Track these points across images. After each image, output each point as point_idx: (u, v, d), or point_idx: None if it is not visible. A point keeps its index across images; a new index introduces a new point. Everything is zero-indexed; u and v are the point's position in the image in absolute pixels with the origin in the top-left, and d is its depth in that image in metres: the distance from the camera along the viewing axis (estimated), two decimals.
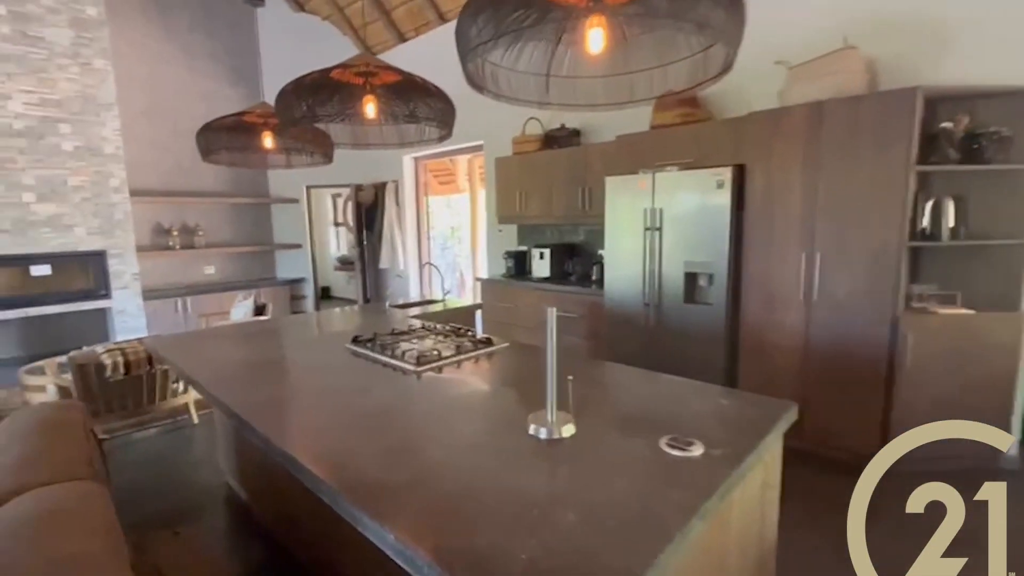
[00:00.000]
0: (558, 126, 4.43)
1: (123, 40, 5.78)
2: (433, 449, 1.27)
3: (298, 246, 7.28)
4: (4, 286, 4.93)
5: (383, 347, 2.11)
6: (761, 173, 2.94)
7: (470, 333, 2.35)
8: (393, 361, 1.98)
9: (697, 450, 1.16)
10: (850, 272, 2.69)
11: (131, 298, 5.61)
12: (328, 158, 2.66)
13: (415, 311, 3.50)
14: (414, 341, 2.21)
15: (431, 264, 4.24)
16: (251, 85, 6.95)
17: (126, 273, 5.56)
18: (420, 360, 1.91)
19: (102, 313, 5.68)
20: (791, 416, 1.40)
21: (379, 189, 6.80)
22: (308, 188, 7.26)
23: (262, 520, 2.39)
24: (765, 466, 1.32)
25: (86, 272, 5.35)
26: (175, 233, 6.26)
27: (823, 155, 2.71)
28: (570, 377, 1.32)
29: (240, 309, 5.00)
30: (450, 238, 8.74)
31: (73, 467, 1.48)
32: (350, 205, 8.62)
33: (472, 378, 1.87)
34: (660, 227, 3.34)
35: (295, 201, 7.22)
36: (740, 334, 3.14)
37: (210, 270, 6.72)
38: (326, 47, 6.77)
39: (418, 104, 1.87)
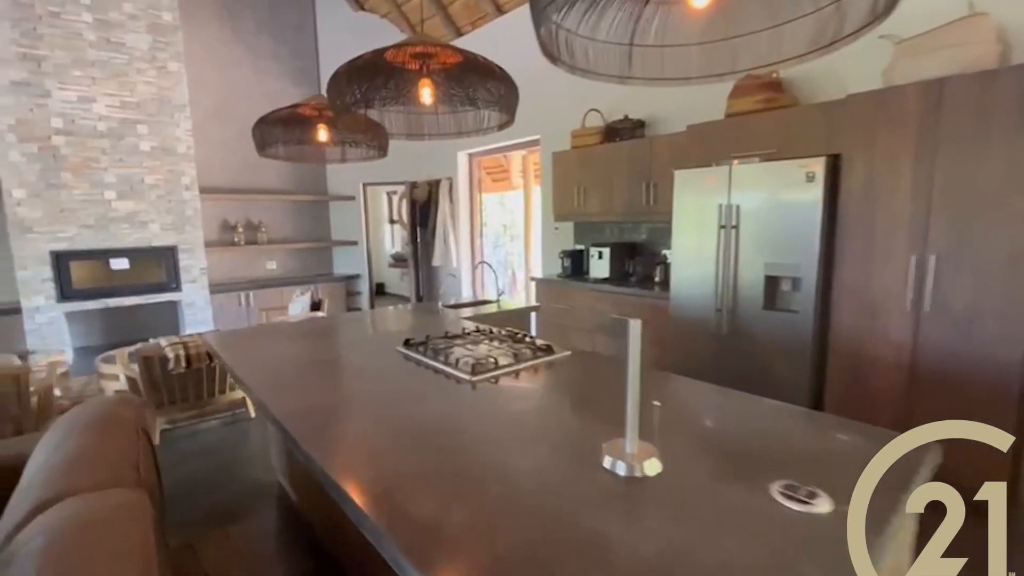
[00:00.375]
0: (620, 117, 4.17)
1: (196, 44, 6.03)
2: (491, 482, 1.09)
3: (354, 243, 7.38)
4: (88, 278, 5.25)
5: (436, 352, 1.96)
6: (862, 164, 2.57)
7: (528, 339, 2.17)
8: (446, 368, 1.83)
9: (823, 505, 0.92)
10: (974, 279, 2.29)
11: (199, 291, 5.85)
12: (383, 151, 2.56)
13: (468, 312, 3.37)
14: (468, 346, 2.05)
15: (485, 263, 4.09)
16: (313, 85, 7.10)
17: (195, 267, 5.80)
18: (475, 368, 1.75)
19: (173, 305, 5.95)
20: (934, 460, 1.12)
21: (433, 186, 6.76)
22: (364, 185, 7.34)
23: (311, 524, 2.32)
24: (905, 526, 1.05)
25: (159, 266, 5.62)
26: (240, 229, 6.49)
27: (941, 142, 2.32)
28: (656, 403, 1.11)
29: (298, 304, 5.08)
30: (502, 236, 8.62)
31: (119, 471, 1.42)
32: (404, 202, 8.68)
33: (532, 391, 1.69)
34: (736, 224, 3.02)
35: (352, 198, 7.32)
36: (829, 347, 2.78)
37: (272, 265, 6.93)
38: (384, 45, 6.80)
39: (478, 88, 1.70)
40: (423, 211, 6.88)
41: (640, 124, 4.13)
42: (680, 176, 3.30)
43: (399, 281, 8.85)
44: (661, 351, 3.55)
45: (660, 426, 1.18)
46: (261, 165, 6.73)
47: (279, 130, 2.29)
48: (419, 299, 6.95)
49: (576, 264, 4.57)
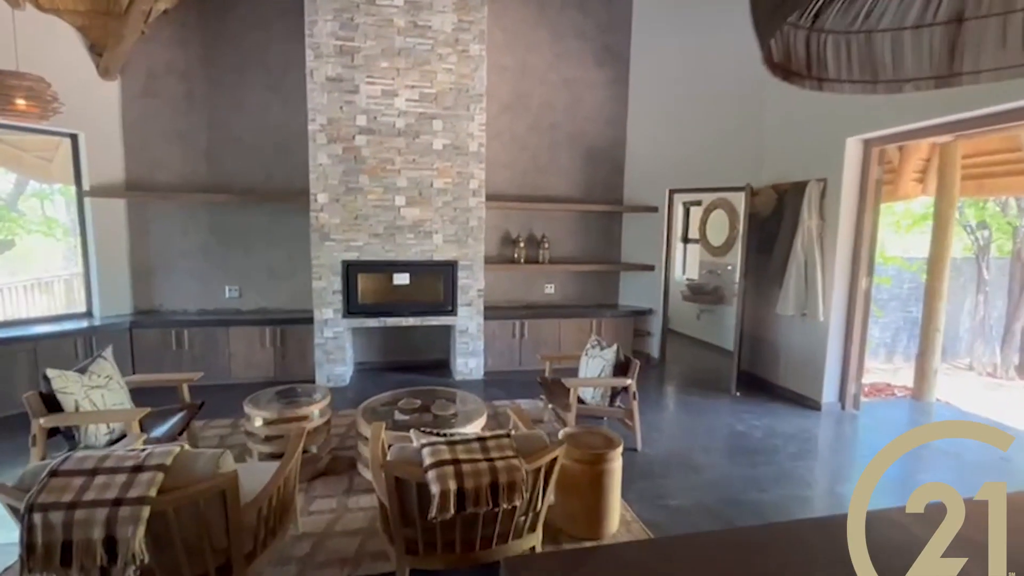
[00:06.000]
0: None
1: (497, 27, 5.15)
2: None
3: (650, 268, 5.62)
4: (371, 292, 4.75)
5: None
6: None
7: None
8: None
9: None
10: None
11: (473, 316, 4.90)
12: None
13: None
14: None
15: None
16: (618, 65, 5.62)
17: (472, 288, 4.87)
18: None
19: (446, 331, 5.18)
20: None
21: (785, 194, 4.48)
22: (671, 193, 5.51)
23: None
24: None
25: (437, 283, 4.85)
26: (521, 244, 5.41)
27: None
28: None
29: (595, 362, 3.50)
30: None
31: None
32: (713, 216, 6.56)
33: None
34: None
35: (653, 210, 5.57)
36: None
37: (550, 289, 5.70)
38: (711, 10, 4.86)
39: None
40: (764, 230, 4.67)
41: None
42: None
43: (694, 320, 6.78)
44: None
45: None
46: (552, 165, 5.56)
47: None
48: (739, 355, 4.74)
49: None
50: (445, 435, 1.99)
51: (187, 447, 1.70)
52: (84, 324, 4.37)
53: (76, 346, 4.15)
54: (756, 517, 2.65)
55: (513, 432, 1.95)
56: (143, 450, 1.65)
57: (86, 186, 4.44)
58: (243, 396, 3.19)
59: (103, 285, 4.60)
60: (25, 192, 8.20)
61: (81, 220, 4.53)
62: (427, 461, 1.72)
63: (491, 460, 1.76)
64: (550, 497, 2.03)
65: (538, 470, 1.88)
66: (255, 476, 2.19)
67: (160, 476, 1.56)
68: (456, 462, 1.73)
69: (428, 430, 2.01)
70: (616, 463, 2.44)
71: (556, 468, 1.95)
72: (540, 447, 1.89)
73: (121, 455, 1.62)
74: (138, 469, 1.56)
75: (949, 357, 7.84)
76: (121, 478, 1.53)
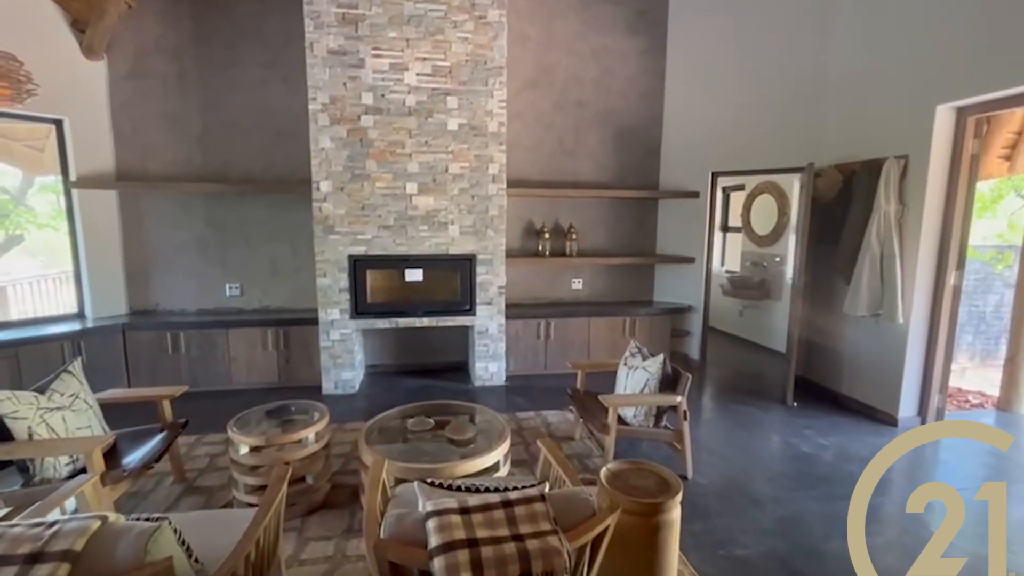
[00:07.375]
0: None
1: None
2: None
3: (690, 260, 5.05)
4: (382, 289, 4.31)
5: None
6: None
7: None
8: None
9: None
10: None
11: (494, 316, 4.42)
12: None
13: None
14: None
15: None
16: (654, 32, 5.01)
17: (492, 285, 4.39)
18: None
19: (464, 331, 4.72)
20: None
21: (852, 174, 3.86)
22: (714, 175, 4.91)
23: None
24: None
25: (453, 280, 4.38)
26: (546, 235, 4.89)
27: None
28: None
29: (637, 374, 2.98)
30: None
31: None
32: (759, 201, 5.93)
33: None
34: None
35: (694, 195, 4.98)
36: None
37: (578, 284, 5.18)
38: None
39: None
40: (825, 217, 4.06)
41: None
42: None
43: (735, 316, 6.18)
44: None
45: None
46: (580, 148, 5.02)
47: None
48: (796, 365, 4.16)
49: None
50: (459, 488, 1.53)
51: (111, 518, 1.26)
52: (75, 326, 4.03)
53: (63, 351, 3.82)
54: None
55: (547, 489, 1.47)
56: (52, 524, 1.22)
57: (73, 176, 4.08)
58: (244, 405, 2.82)
59: (95, 284, 4.26)
60: (34, 186, 7.99)
61: (70, 213, 4.18)
62: (433, 541, 1.25)
63: (520, 538, 1.29)
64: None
65: (583, 545, 1.40)
66: (231, 525, 1.79)
67: (64, 569, 1.12)
68: (473, 543, 1.26)
69: (435, 481, 1.54)
70: (675, 512, 1.94)
71: (607, 539, 1.46)
72: (585, 515, 1.41)
73: (19, 533, 1.19)
74: (35, 559, 1.13)
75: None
76: (9, 574, 1.11)
